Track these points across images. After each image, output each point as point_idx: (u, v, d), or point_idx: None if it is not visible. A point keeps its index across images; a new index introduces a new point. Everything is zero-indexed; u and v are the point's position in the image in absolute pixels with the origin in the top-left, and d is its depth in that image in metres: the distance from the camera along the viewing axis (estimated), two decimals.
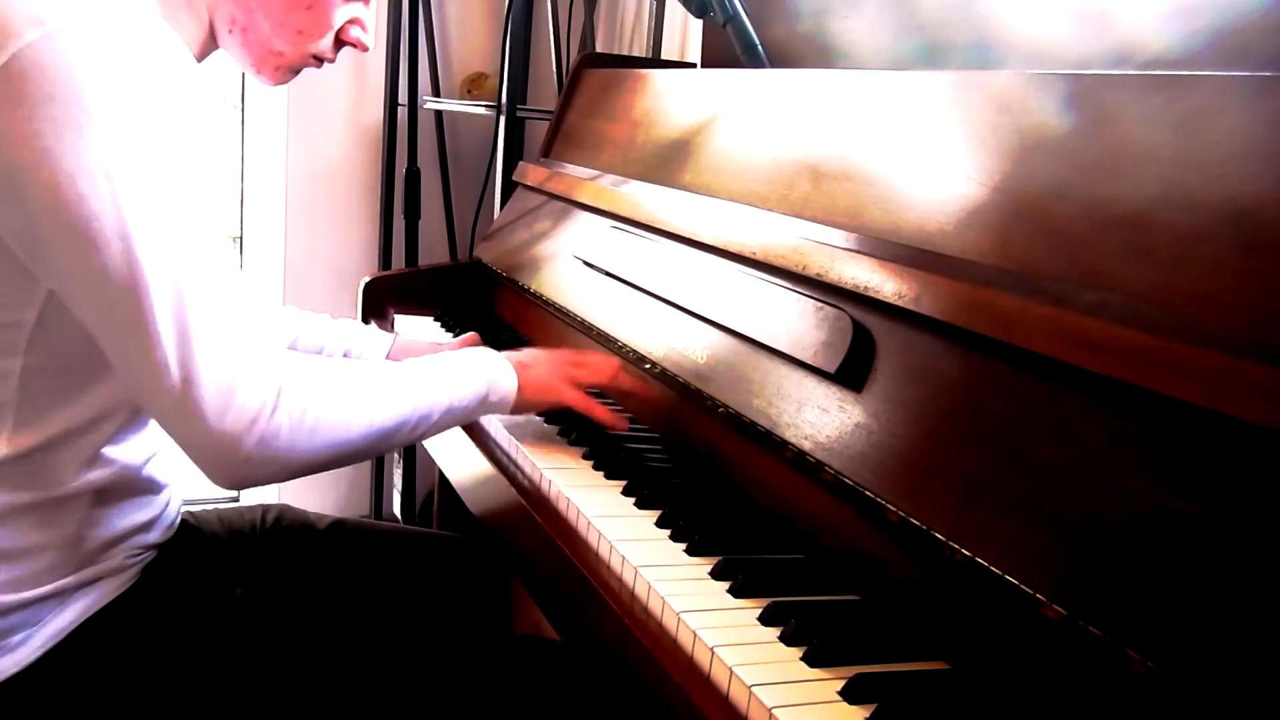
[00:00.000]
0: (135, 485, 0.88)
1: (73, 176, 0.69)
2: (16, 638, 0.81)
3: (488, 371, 0.98)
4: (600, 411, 1.03)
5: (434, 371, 0.94)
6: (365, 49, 0.97)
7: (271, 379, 0.78)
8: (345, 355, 1.26)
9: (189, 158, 0.75)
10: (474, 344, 1.28)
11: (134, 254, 0.71)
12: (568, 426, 1.09)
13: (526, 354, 1.04)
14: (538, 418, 1.17)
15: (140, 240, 0.71)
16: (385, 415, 0.87)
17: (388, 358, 1.26)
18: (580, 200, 1.40)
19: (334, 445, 0.83)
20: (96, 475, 0.84)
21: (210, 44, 0.91)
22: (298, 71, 0.96)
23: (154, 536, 0.91)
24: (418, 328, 1.52)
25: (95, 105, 0.69)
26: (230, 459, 0.77)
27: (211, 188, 0.81)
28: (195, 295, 0.74)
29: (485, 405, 0.97)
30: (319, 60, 0.95)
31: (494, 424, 1.09)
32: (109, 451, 0.85)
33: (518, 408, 1.01)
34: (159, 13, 0.82)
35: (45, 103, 0.68)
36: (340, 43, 0.96)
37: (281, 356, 0.80)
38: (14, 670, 0.81)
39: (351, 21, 0.95)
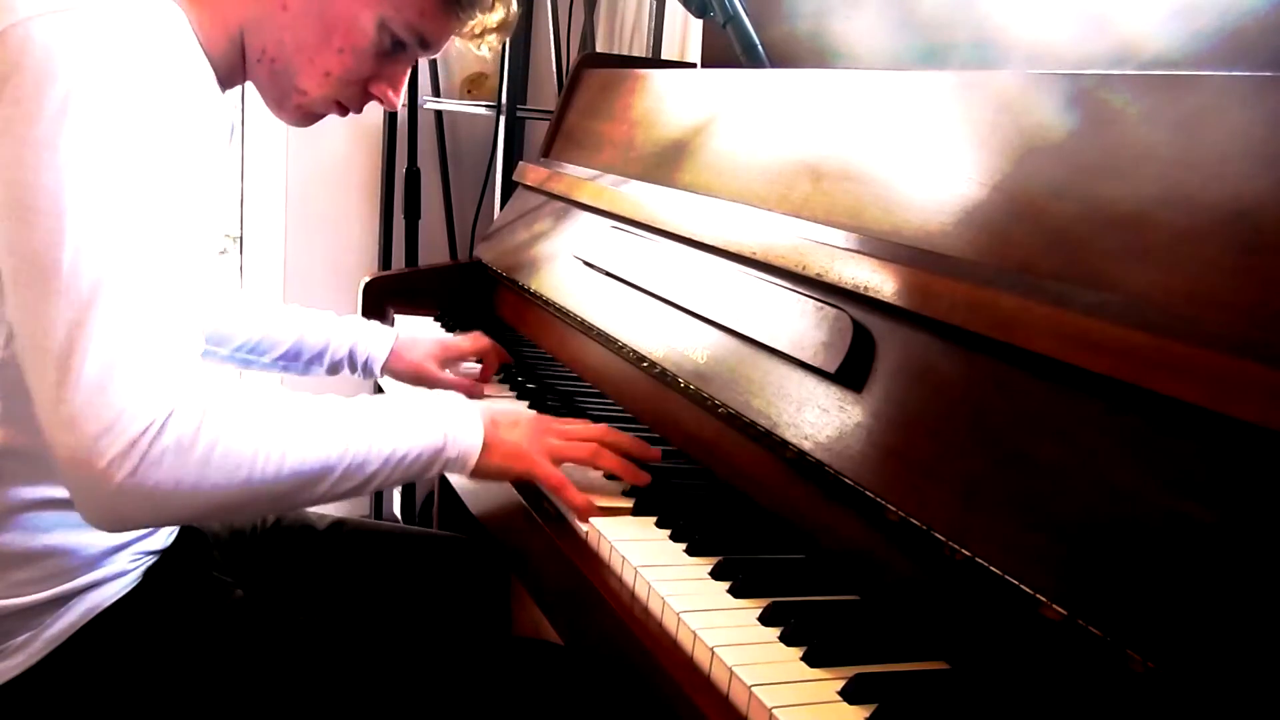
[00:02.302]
0: None
1: (22, 147, 0.68)
2: (19, 640, 0.81)
3: (448, 422, 0.85)
4: (574, 497, 0.87)
5: (384, 413, 0.83)
6: (393, 107, 0.94)
7: (165, 397, 0.69)
8: (350, 352, 1.26)
9: (165, 165, 0.72)
10: (479, 343, 1.28)
11: (59, 234, 0.68)
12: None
13: (503, 412, 0.91)
14: (527, 404, 1.16)
15: (70, 223, 0.68)
16: (303, 456, 0.76)
17: (390, 355, 1.26)
18: (580, 200, 1.40)
19: (232, 485, 0.72)
20: None
21: (239, 72, 0.90)
22: (318, 117, 0.93)
23: (157, 542, 0.91)
24: (418, 328, 1.52)
25: (64, 85, 0.68)
26: (100, 488, 0.68)
27: (201, 203, 0.78)
28: (108, 295, 0.68)
29: (440, 461, 0.84)
30: (343, 109, 0.93)
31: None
32: None
33: (479, 471, 0.87)
34: (186, 24, 0.80)
35: (15, 74, 0.68)
36: (367, 95, 0.93)
37: (191, 378, 0.72)
38: (16, 673, 0.81)
39: (384, 77, 0.92)
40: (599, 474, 0.95)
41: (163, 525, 0.74)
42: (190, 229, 0.75)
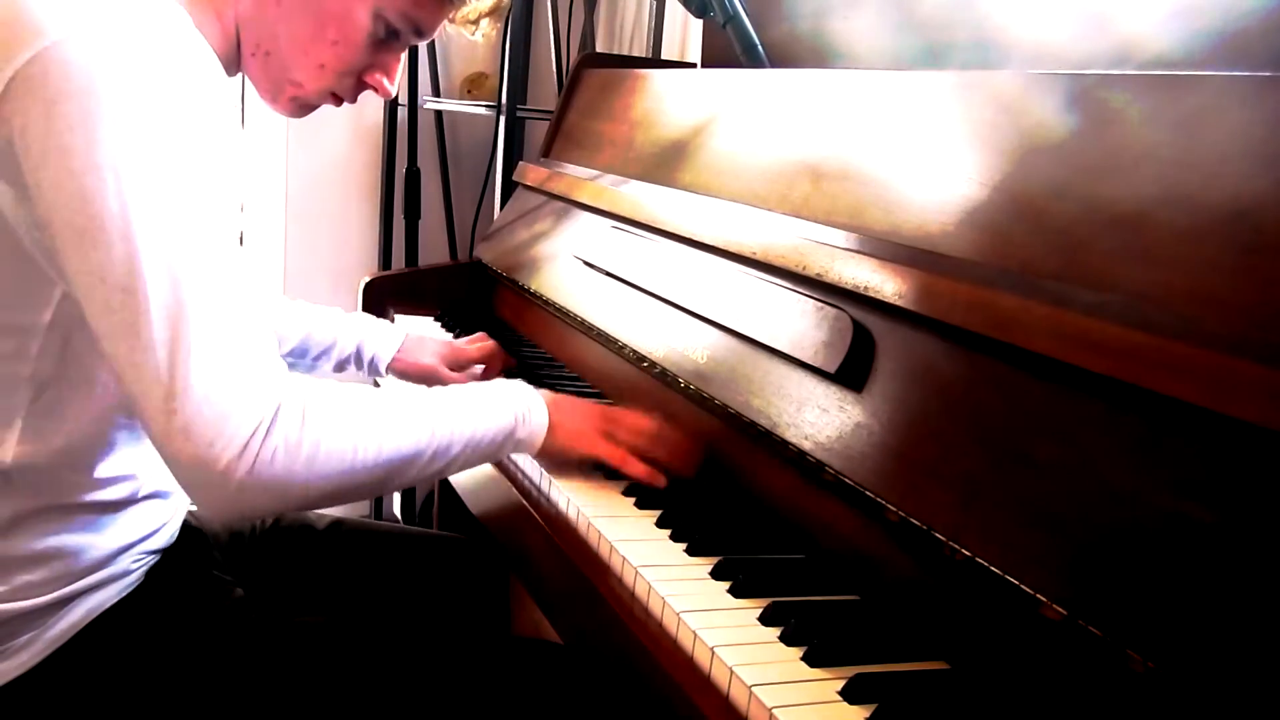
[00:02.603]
0: (143, 494, 0.87)
1: (82, 174, 0.68)
2: (20, 640, 0.81)
3: (517, 403, 0.91)
4: (639, 468, 0.93)
5: (457, 399, 0.88)
6: (388, 96, 0.94)
7: (269, 399, 0.73)
8: (358, 350, 1.26)
9: (209, 167, 0.73)
10: (485, 347, 1.28)
11: (135, 257, 0.69)
12: None
13: (563, 397, 0.97)
14: None
15: (143, 244, 0.69)
16: (398, 444, 0.81)
17: (397, 354, 1.26)
18: (580, 200, 1.40)
19: (338, 474, 0.77)
20: (104, 485, 0.83)
21: (234, 65, 0.90)
22: (313, 108, 0.93)
23: (160, 542, 0.91)
24: (418, 328, 1.52)
25: (111, 105, 0.68)
26: (221, 487, 0.72)
27: (232, 199, 0.79)
28: (195, 307, 0.71)
29: (511, 441, 0.90)
30: (337, 99, 0.93)
31: None
32: (118, 461, 0.84)
33: (546, 450, 0.93)
34: (190, 23, 0.80)
35: (63, 100, 0.68)
36: (362, 85, 0.93)
37: (283, 375, 0.76)
38: (18, 673, 0.81)
39: (378, 67, 0.92)
40: (599, 473, 0.95)
41: (282, 512, 0.81)
42: (232, 227, 0.77)
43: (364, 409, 0.80)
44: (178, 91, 0.72)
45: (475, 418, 0.87)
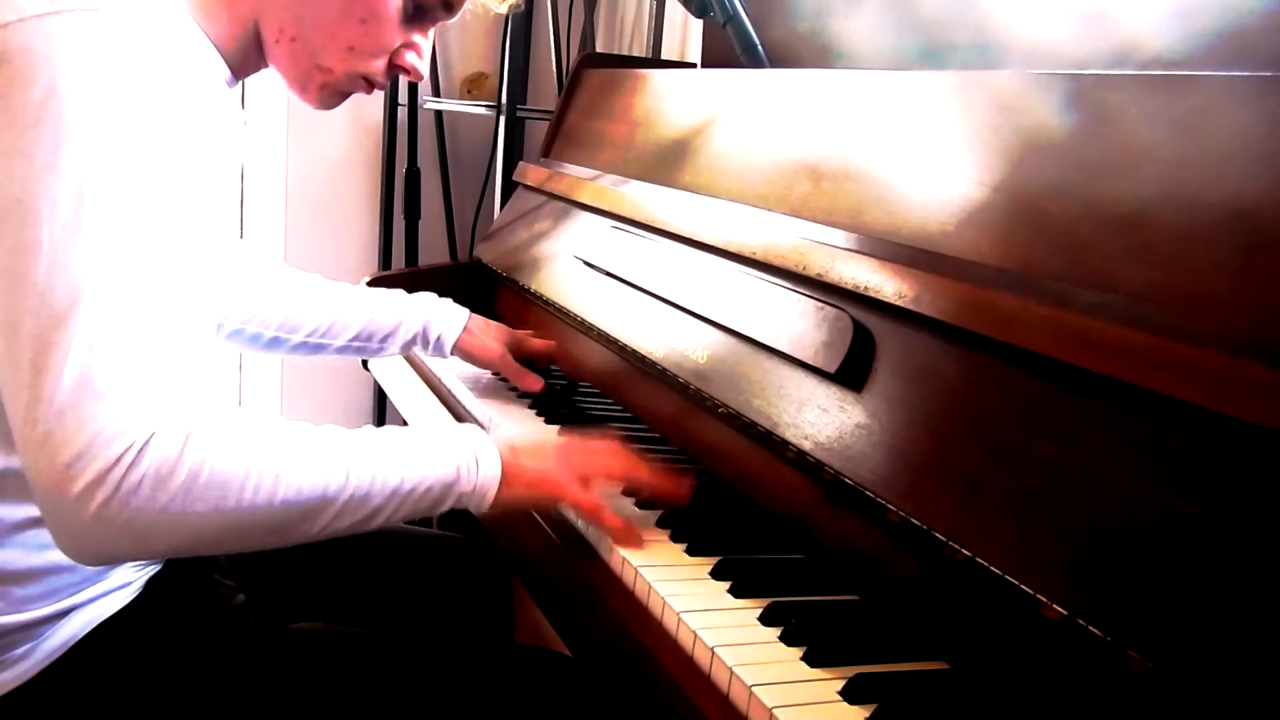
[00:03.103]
0: None
1: (13, 146, 0.65)
2: (19, 651, 0.80)
3: (460, 452, 0.79)
4: (611, 520, 0.83)
5: (387, 442, 0.78)
6: (419, 78, 0.91)
7: (144, 421, 0.64)
8: (424, 329, 1.26)
9: (155, 173, 0.68)
10: (549, 346, 1.28)
11: (32, 250, 0.64)
12: (568, 427, 1.09)
13: (522, 438, 0.86)
14: (537, 414, 1.17)
15: (44, 238, 0.64)
16: (300, 484, 0.70)
17: (462, 334, 1.27)
18: (580, 200, 1.40)
19: (218, 514, 0.67)
20: None
21: (256, 55, 0.86)
22: (345, 95, 0.90)
23: None
24: None
25: (41, 94, 0.65)
26: (74, 518, 0.63)
27: (210, 210, 0.75)
28: (84, 312, 0.64)
29: (453, 495, 0.79)
30: (369, 84, 0.89)
31: (494, 426, 1.09)
32: None
33: (500, 503, 0.81)
34: (189, 18, 0.78)
35: (14, 79, 0.65)
36: (393, 67, 0.89)
37: (173, 403, 0.67)
38: (16, 684, 0.80)
39: (408, 46, 0.88)
40: None
41: (145, 559, 0.69)
42: (191, 237, 0.72)
43: (266, 441, 0.71)
44: (126, 88, 0.67)
45: (407, 465, 0.76)
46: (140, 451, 0.64)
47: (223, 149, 0.79)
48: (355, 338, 1.25)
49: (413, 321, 1.27)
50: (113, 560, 0.69)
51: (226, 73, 0.85)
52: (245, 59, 0.86)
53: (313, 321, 1.23)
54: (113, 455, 0.63)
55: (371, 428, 0.80)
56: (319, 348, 1.25)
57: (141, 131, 0.68)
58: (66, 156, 0.65)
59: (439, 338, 1.27)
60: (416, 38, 0.89)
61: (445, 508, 0.80)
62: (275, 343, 1.23)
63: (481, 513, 0.82)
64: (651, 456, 0.98)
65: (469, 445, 0.81)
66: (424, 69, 0.90)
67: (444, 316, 1.28)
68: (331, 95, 0.89)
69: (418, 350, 1.29)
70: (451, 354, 1.28)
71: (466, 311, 1.29)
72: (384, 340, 1.27)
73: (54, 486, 0.64)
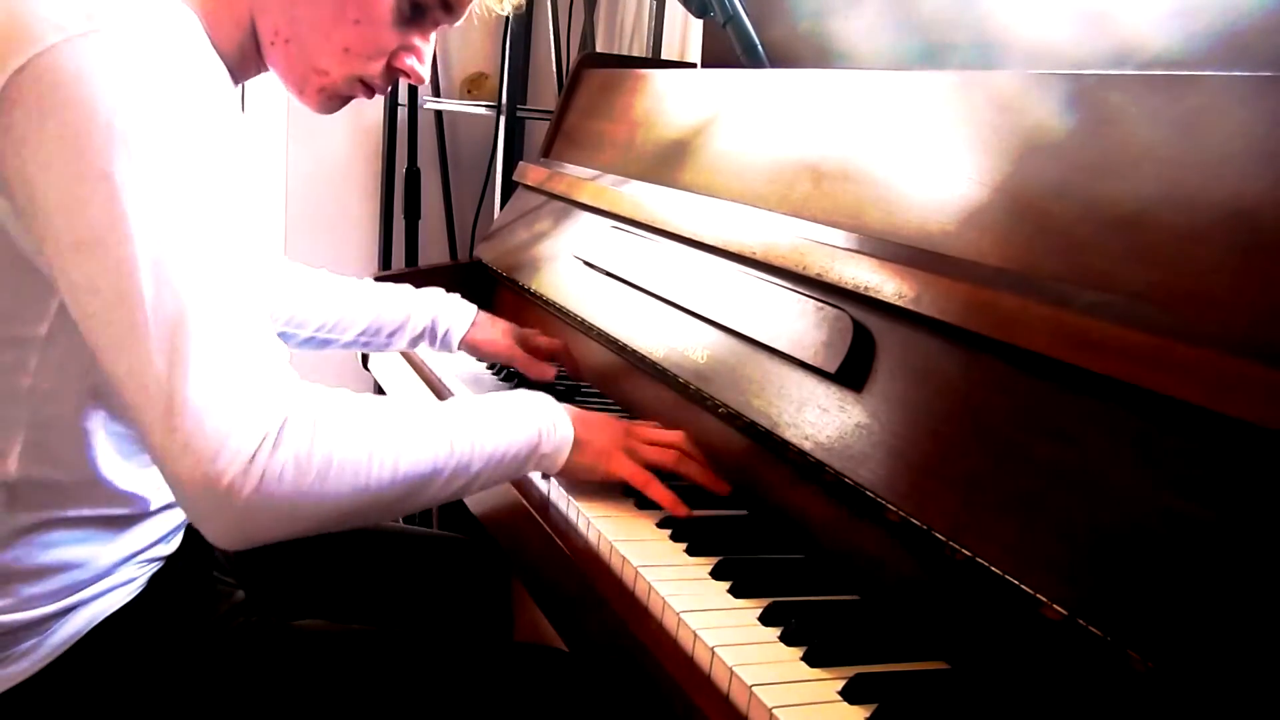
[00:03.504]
0: (155, 508, 0.86)
1: (75, 184, 0.66)
2: (23, 647, 0.80)
3: (541, 417, 0.86)
4: (663, 494, 0.89)
5: (476, 411, 0.83)
6: (420, 81, 0.90)
7: (275, 412, 0.69)
8: (432, 324, 1.26)
9: (211, 173, 0.71)
10: (554, 343, 1.28)
11: (129, 268, 0.66)
12: None
13: (588, 413, 0.92)
14: None
15: (139, 254, 0.67)
16: (416, 459, 0.76)
17: (470, 330, 1.27)
18: (580, 200, 1.40)
19: (352, 492, 0.73)
20: (116, 500, 0.82)
21: (255, 61, 0.87)
22: (344, 100, 0.89)
23: (166, 549, 0.90)
24: None
25: (103, 114, 0.66)
26: (227, 508, 0.68)
27: (244, 204, 0.76)
28: (195, 318, 0.67)
29: (535, 458, 0.86)
30: (368, 88, 0.88)
31: None
32: (130, 477, 0.82)
33: (568, 469, 0.88)
34: (199, 25, 0.78)
35: (55, 109, 0.66)
36: (392, 70, 0.88)
37: (291, 386, 0.72)
38: (19, 680, 0.80)
39: (407, 49, 0.87)
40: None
41: (293, 537, 0.73)
42: (244, 235, 0.74)
43: (381, 422, 0.76)
44: (176, 97, 0.69)
45: (498, 433, 0.82)
46: (277, 439, 0.69)
47: (243, 150, 0.80)
48: (362, 333, 1.25)
49: (421, 316, 1.26)
50: (264, 541, 0.73)
51: (228, 78, 0.85)
52: (244, 61, 0.86)
53: (320, 317, 1.24)
54: (253, 447, 0.67)
55: (458, 399, 0.84)
56: (326, 343, 1.25)
57: (196, 140, 0.70)
58: (143, 173, 0.67)
59: (447, 332, 1.27)
60: (416, 40, 0.88)
61: (528, 470, 0.87)
62: (282, 338, 1.23)
63: (554, 474, 0.89)
64: None
65: (547, 410, 0.88)
66: (424, 72, 0.89)
67: (452, 311, 1.28)
68: (330, 99, 0.89)
69: (424, 345, 1.29)
70: (459, 349, 1.28)
71: (474, 307, 1.30)
72: (391, 335, 1.27)
73: (204, 486, 0.67)
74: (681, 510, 0.88)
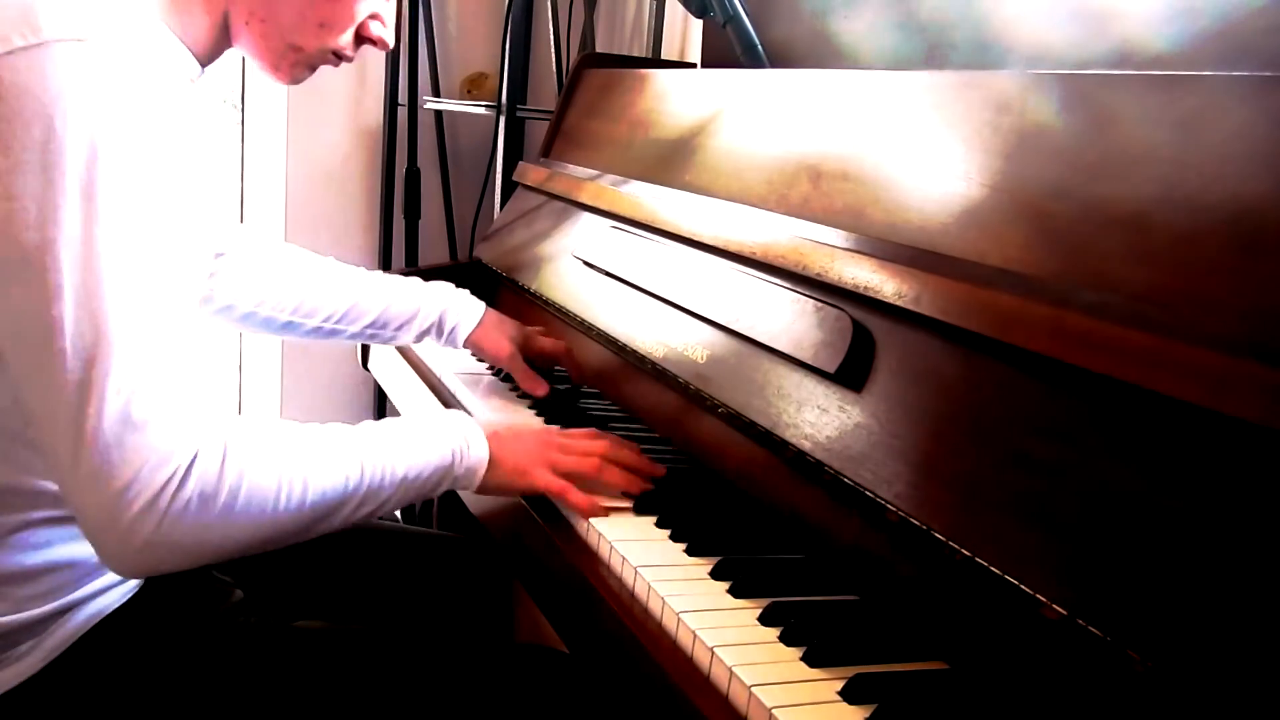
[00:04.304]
0: None
1: (5, 203, 0.65)
2: (21, 648, 0.80)
3: (454, 438, 0.86)
4: (577, 499, 0.88)
5: (389, 435, 0.84)
6: (386, 47, 0.92)
7: (185, 446, 0.68)
8: (440, 319, 1.25)
9: (150, 195, 0.69)
10: (558, 347, 1.27)
11: (55, 294, 0.65)
12: (567, 425, 1.09)
13: (504, 425, 0.93)
14: (537, 414, 1.17)
15: (66, 281, 0.65)
16: (325, 485, 0.76)
17: (476, 328, 1.26)
18: (580, 200, 1.40)
19: (258, 523, 0.72)
20: None
21: (223, 41, 0.87)
22: (314, 69, 0.91)
23: None
24: None
25: (35, 130, 0.65)
26: (125, 544, 0.67)
27: (202, 209, 0.75)
28: (113, 349, 0.66)
29: (449, 478, 0.86)
30: (338, 57, 0.91)
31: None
32: None
33: (485, 486, 0.88)
34: (160, 15, 0.79)
35: (10, 119, 0.65)
36: (360, 39, 0.91)
37: (204, 416, 0.70)
38: (18, 681, 0.80)
39: (372, 16, 0.90)
40: None
41: (197, 565, 0.73)
42: (193, 254, 0.73)
43: (291, 450, 0.75)
44: (117, 119, 0.67)
45: (409, 455, 0.83)
46: (185, 474, 0.68)
47: (202, 145, 0.80)
48: (371, 324, 1.25)
49: (430, 310, 1.26)
50: (161, 573, 0.74)
51: (196, 68, 0.85)
52: (214, 47, 0.87)
53: (329, 306, 1.23)
54: (160, 482, 0.67)
55: (371, 422, 0.84)
56: (333, 333, 1.25)
57: (140, 161, 0.69)
58: (74, 200, 0.66)
59: (454, 328, 1.26)
60: (381, 8, 0.90)
61: (442, 490, 0.87)
62: (289, 327, 1.23)
63: (470, 492, 0.89)
64: (650, 456, 0.98)
65: (460, 430, 0.87)
66: (390, 37, 0.92)
67: (461, 307, 1.27)
68: (303, 70, 0.90)
69: (430, 340, 1.29)
70: (463, 346, 1.28)
71: (483, 305, 1.29)
72: (399, 328, 1.26)
73: (105, 519, 0.67)
74: (597, 512, 0.87)
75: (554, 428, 0.96)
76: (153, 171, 0.70)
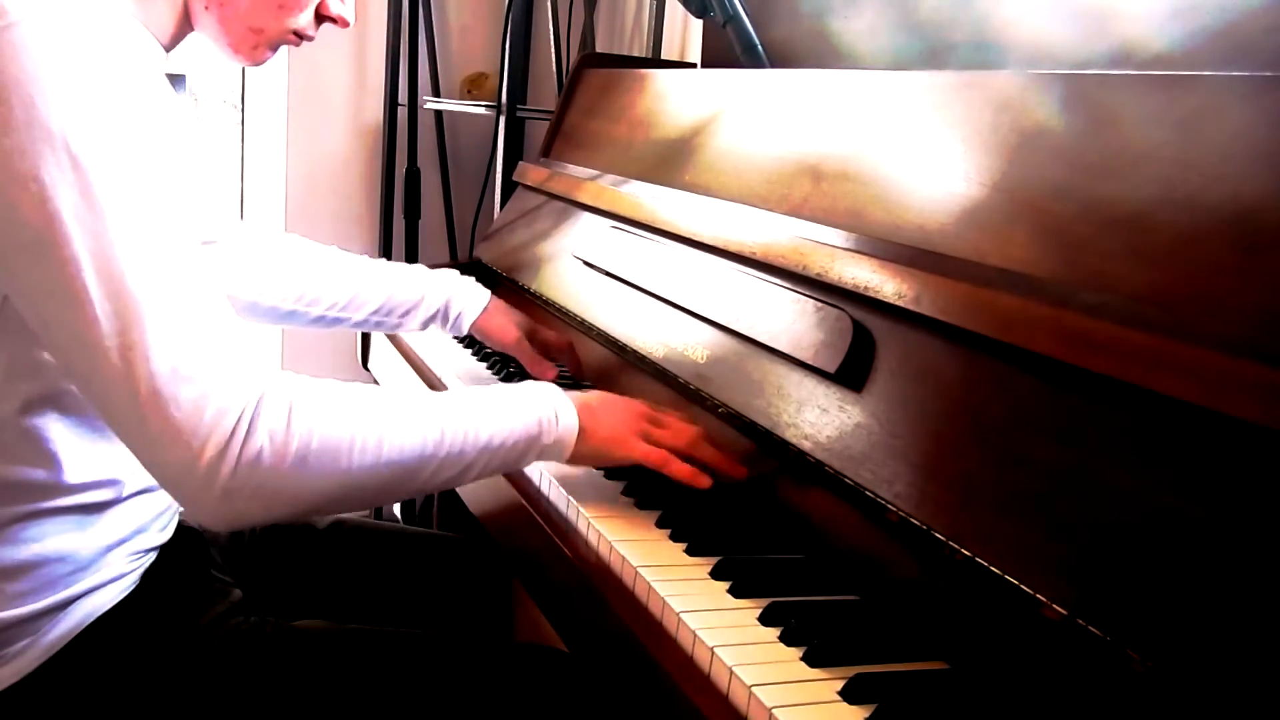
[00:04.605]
0: (129, 493, 0.86)
1: (14, 175, 0.65)
2: (16, 646, 0.80)
3: (542, 406, 0.84)
4: (681, 469, 0.87)
5: (471, 399, 0.82)
6: (346, 24, 0.92)
7: (247, 392, 0.68)
8: (445, 305, 1.25)
9: (145, 164, 0.70)
10: (562, 340, 1.26)
11: (75, 267, 0.66)
12: None
13: (594, 396, 0.90)
14: None
15: (80, 252, 0.66)
16: (402, 444, 0.75)
17: (482, 314, 1.25)
18: (580, 200, 1.40)
19: (333, 475, 0.72)
20: (85, 489, 0.82)
21: (184, 26, 0.87)
22: (276, 49, 0.91)
23: (153, 539, 0.90)
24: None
25: (25, 110, 0.65)
26: (206, 491, 0.68)
27: (185, 190, 0.75)
28: (144, 307, 0.67)
29: (536, 448, 0.83)
30: (299, 37, 0.90)
31: None
32: (96, 465, 0.82)
33: (577, 457, 0.86)
34: (127, 9, 0.79)
35: None
36: (320, 18, 0.90)
37: (262, 368, 0.71)
38: (16, 679, 0.80)
39: None
40: (598, 473, 0.95)
41: (276, 521, 0.74)
42: (184, 220, 0.73)
43: (363, 405, 0.75)
44: (101, 90, 0.68)
45: (493, 421, 0.80)
46: (252, 421, 0.68)
47: (175, 127, 0.80)
48: (375, 312, 1.24)
49: (435, 297, 1.25)
50: (250, 524, 0.73)
51: (161, 53, 0.86)
52: (176, 33, 0.87)
53: (332, 294, 1.22)
54: (227, 428, 0.67)
55: (454, 390, 0.82)
56: (337, 321, 1.24)
57: (120, 129, 0.69)
58: (66, 172, 0.66)
59: (459, 315, 1.26)
60: None
61: (529, 460, 0.85)
62: (292, 316, 1.22)
63: (562, 463, 0.87)
64: None
65: (549, 400, 0.85)
66: (349, 14, 0.92)
67: (466, 294, 1.27)
68: (265, 51, 0.90)
69: (435, 327, 1.28)
70: (469, 332, 1.27)
71: (488, 293, 1.28)
72: (404, 315, 1.26)
73: (182, 473, 0.68)
74: (704, 481, 0.86)
75: (644, 402, 0.93)
76: (133, 140, 0.70)
